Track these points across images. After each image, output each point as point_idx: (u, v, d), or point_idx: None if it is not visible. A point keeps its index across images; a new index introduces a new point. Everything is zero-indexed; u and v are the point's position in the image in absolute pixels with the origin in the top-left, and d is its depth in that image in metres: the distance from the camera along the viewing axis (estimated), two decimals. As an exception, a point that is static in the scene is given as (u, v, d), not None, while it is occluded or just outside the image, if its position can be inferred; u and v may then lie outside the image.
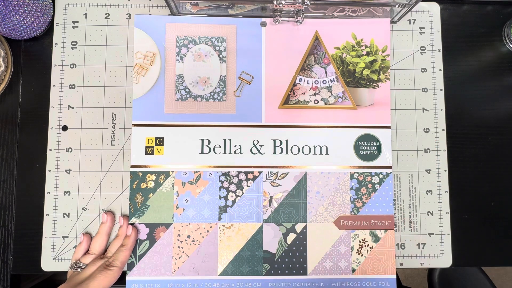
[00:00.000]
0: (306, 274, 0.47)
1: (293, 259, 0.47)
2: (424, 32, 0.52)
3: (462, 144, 0.51)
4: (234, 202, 0.48)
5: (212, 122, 0.48)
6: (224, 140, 0.48)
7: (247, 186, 0.48)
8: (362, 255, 0.47)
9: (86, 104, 0.49)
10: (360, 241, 0.48)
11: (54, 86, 0.49)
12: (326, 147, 0.49)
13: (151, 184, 0.47)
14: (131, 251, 0.46)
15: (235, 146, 0.48)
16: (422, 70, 0.51)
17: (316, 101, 0.49)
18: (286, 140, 0.49)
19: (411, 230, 0.49)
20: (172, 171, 0.48)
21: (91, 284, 0.41)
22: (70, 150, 0.48)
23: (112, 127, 0.49)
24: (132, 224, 0.47)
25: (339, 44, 0.50)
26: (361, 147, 0.49)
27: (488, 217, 0.50)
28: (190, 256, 0.47)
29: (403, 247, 0.49)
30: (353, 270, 0.47)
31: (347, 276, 0.47)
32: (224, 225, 0.47)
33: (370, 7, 0.48)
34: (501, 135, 0.51)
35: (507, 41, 0.52)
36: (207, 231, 0.47)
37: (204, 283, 0.46)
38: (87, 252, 0.46)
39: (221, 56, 0.49)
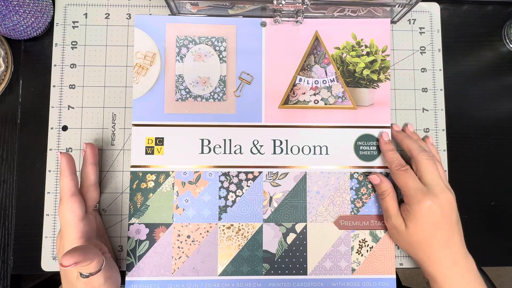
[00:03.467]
0: (306, 274, 0.47)
1: (293, 259, 0.47)
2: (424, 32, 0.52)
3: (462, 144, 0.51)
4: (234, 202, 0.48)
5: (212, 122, 0.48)
6: (224, 140, 0.48)
7: (247, 186, 0.48)
8: (362, 255, 0.47)
9: (86, 104, 0.49)
10: (360, 241, 0.48)
11: (54, 86, 0.49)
12: (326, 147, 0.49)
13: (151, 184, 0.47)
14: (92, 165, 0.44)
15: (235, 146, 0.48)
16: (422, 70, 0.51)
17: (316, 101, 0.49)
18: (286, 140, 0.49)
19: (411, 230, 0.49)
20: (172, 171, 0.48)
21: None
22: (70, 150, 0.48)
23: (112, 127, 0.49)
24: (131, 225, 0.47)
25: (339, 44, 0.50)
26: (361, 147, 0.49)
27: (488, 217, 0.50)
28: (190, 256, 0.47)
29: (403, 247, 0.49)
30: (353, 270, 0.47)
31: (347, 276, 0.47)
32: (224, 225, 0.47)
33: (370, 7, 0.48)
34: (501, 135, 0.51)
35: (507, 41, 0.52)
36: (207, 231, 0.47)
37: (204, 284, 0.46)
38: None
39: (221, 56, 0.49)
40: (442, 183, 0.43)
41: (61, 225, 0.41)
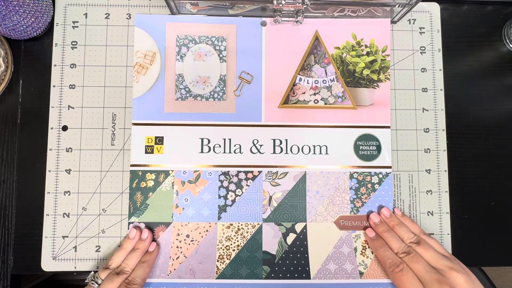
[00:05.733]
0: (310, 278, 0.46)
1: (294, 261, 0.47)
2: (424, 32, 0.52)
3: (462, 144, 0.51)
4: (233, 201, 0.47)
5: (212, 121, 0.48)
6: (224, 139, 0.48)
7: (247, 185, 0.48)
8: (367, 257, 0.47)
9: (86, 104, 0.49)
10: (362, 242, 0.47)
11: (54, 86, 0.49)
12: (326, 147, 0.49)
13: (150, 183, 0.47)
14: (151, 267, 0.45)
15: (234, 146, 0.48)
16: (422, 70, 0.51)
17: (316, 101, 0.49)
18: (286, 140, 0.49)
19: (411, 230, 0.49)
20: (172, 170, 0.48)
21: None
22: (70, 150, 0.48)
23: (112, 127, 0.49)
24: (130, 224, 0.47)
25: (339, 44, 0.50)
26: (360, 147, 0.49)
27: (488, 217, 0.50)
28: (188, 257, 0.46)
29: (403, 247, 0.49)
30: (361, 273, 0.46)
31: (356, 280, 0.46)
32: (223, 225, 0.47)
33: (370, 7, 0.48)
34: (501, 135, 0.51)
35: (507, 41, 0.52)
36: (207, 231, 0.47)
37: (200, 287, 0.46)
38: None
39: (221, 55, 0.49)
40: (436, 277, 0.40)
41: None
